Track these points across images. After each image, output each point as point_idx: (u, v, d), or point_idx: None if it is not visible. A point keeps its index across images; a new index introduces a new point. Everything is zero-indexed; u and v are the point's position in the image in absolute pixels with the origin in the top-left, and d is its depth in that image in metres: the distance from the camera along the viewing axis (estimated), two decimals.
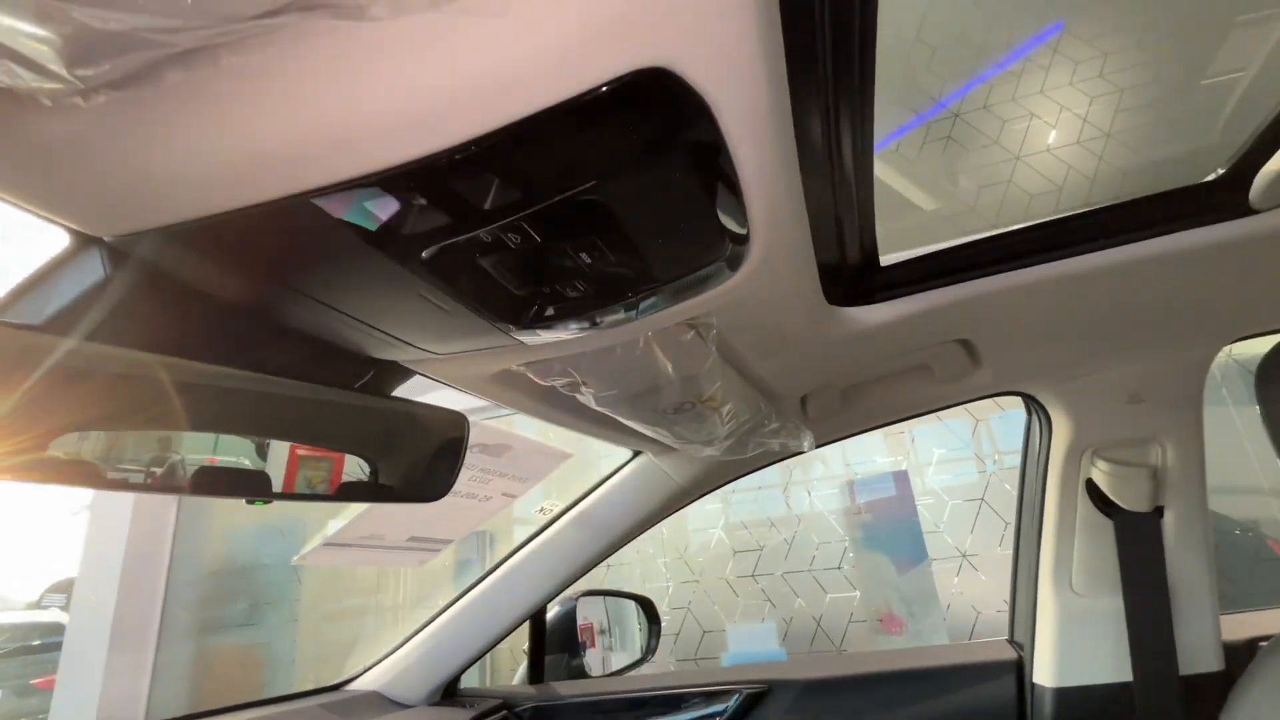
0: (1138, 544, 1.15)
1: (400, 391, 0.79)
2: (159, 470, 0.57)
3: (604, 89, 0.37)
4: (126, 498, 3.20)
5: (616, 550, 1.44)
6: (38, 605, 4.81)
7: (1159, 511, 1.16)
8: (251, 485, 0.62)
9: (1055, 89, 3.40)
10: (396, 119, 0.37)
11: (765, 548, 4.07)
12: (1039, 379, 1.16)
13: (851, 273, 0.86)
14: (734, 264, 0.63)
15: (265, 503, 0.58)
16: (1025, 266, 0.88)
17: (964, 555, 3.56)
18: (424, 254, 0.49)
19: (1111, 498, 1.17)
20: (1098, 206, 0.88)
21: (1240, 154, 0.78)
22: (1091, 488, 1.20)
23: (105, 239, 0.47)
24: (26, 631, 4.37)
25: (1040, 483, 1.26)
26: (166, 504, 3.33)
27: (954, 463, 3.90)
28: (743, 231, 0.57)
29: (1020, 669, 1.29)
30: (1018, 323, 1.00)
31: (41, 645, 4.23)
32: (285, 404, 0.64)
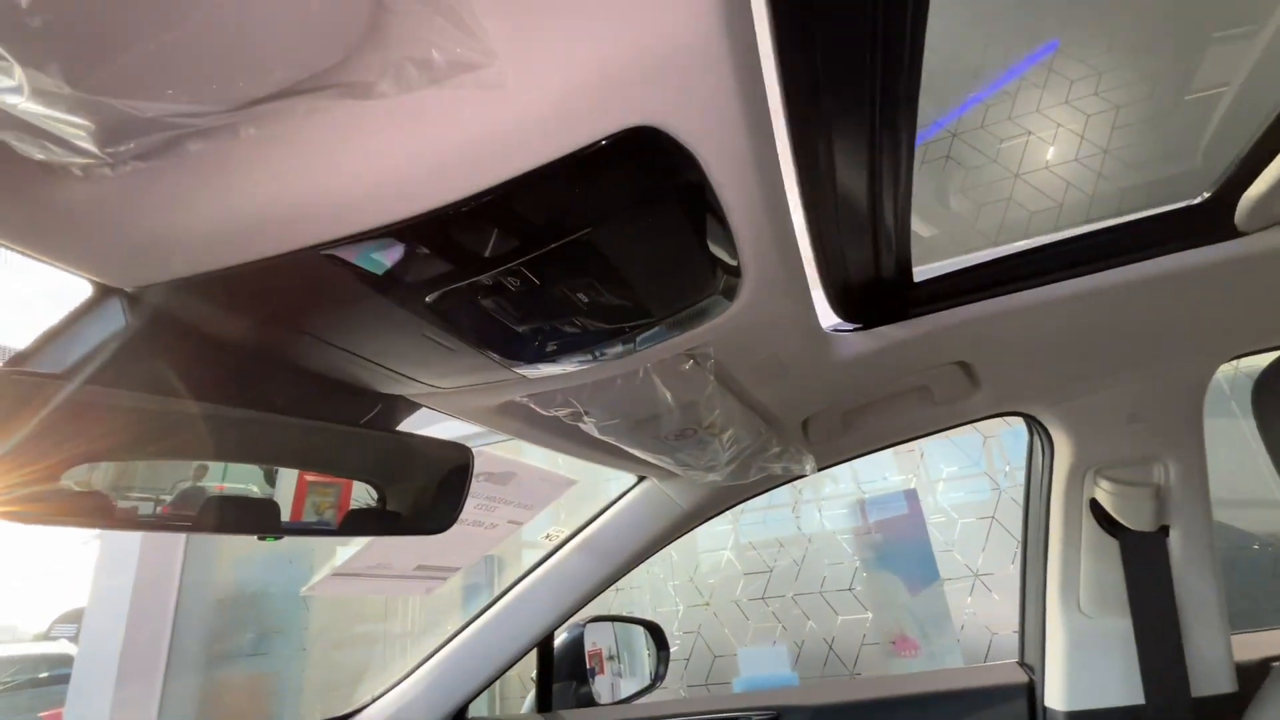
0: (1144, 564, 1.14)
1: (409, 421, 0.81)
2: (171, 506, 0.59)
3: (596, 146, 0.40)
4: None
5: (623, 575, 1.44)
6: (46, 636, 4.80)
7: (1164, 531, 1.15)
8: (260, 515, 0.64)
9: (1051, 107, 3.45)
10: (401, 179, 0.40)
11: (775, 569, 4.03)
12: (1038, 399, 1.16)
13: (861, 294, 0.88)
14: (728, 297, 0.65)
15: (276, 538, 0.59)
16: (1020, 290, 0.90)
17: (976, 575, 3.52)
18: (428, 298, 0.51)
19: (1116, 517, 1.17)
20: (1089, 229, 0.90)
21: (1224, 178, 0.80)
22: (1096, 508, 1.19)
23: (125, 289, 0.50)
24: (35, 664, 4.35)
25: (1045, 503, 1.26)
26: (175, 534, 3.34)
27: (964, 479, 3.87)
28: (735, 266, 0.59)
29: (1032, 692, 1.27)
30: (1015, 344, 1.01)
31: (50, 678, 4.21)
32: (294, 437, 0.66)
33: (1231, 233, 0.84)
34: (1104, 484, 1.17)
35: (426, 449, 0.71)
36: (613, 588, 1.47)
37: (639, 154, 0.42)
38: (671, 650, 1.85)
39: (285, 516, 0.65)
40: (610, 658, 1.86)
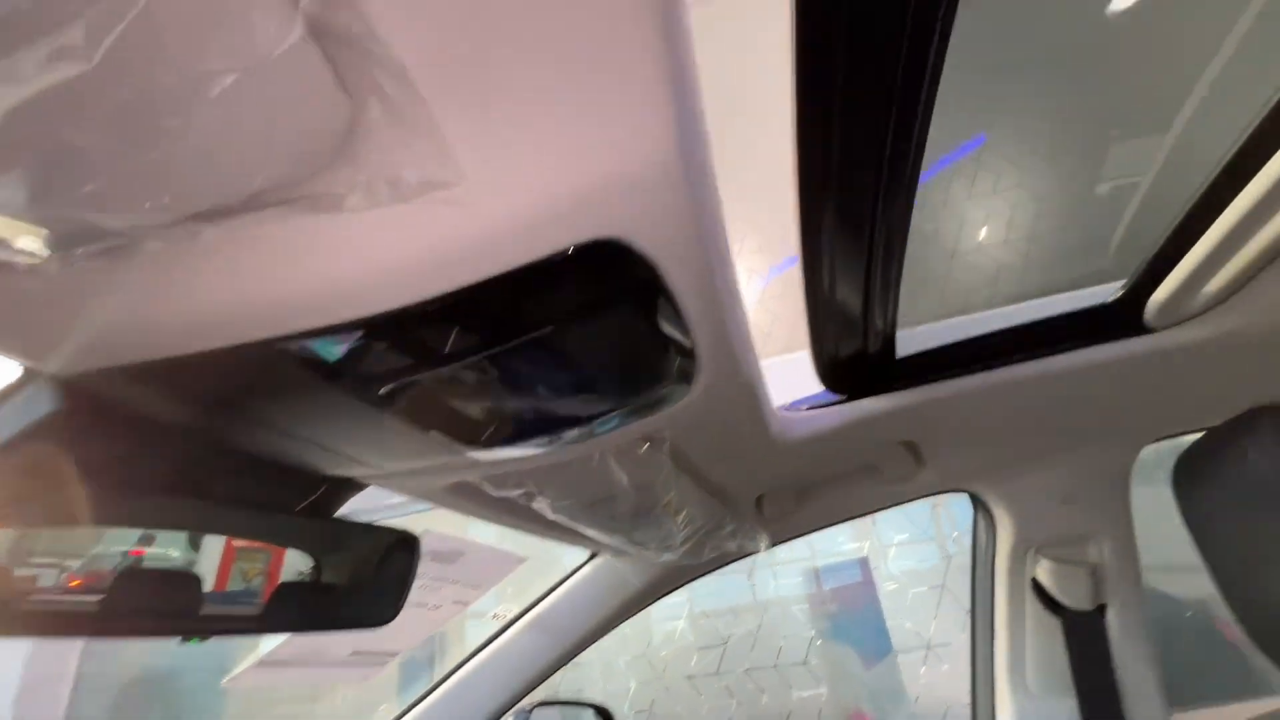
0: (1085, 643, 1.17)
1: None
2: (82, 576, 0.54)
3: (560, 256, 0.41)
4: None
5: (574, 657, 1.38)
6: None
7: (1102, 610, 1.19)
8: (181, 589, 0.59)
9: (983, 195, 3.73)
10: (361, 282, 0.40)
11: (730, 639, 3.93)
12: (980, 478, 1.21)
13: (847, 365, 0.92)
14: (685, 386, 0.66)
15: (201, 639, 0.55)
16: (959, 376, 0.95)
17: (929, 646, 3.51)
18: (382, 390, 0.50)
19: (1056, 596, 1.20)
20: (1020, 323, 0.97)
21: (1134, 279, 0.88)
22: (1038, 587, 1.23)
23: (58, 374, 0.48)
24: None
25: (990, 580, 1.29)
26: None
27: (915, 545, 3.92)
28: (691, 359, 0.61)
29: None
30: (957, 425, 1.05)
31: None
32: (228, 525, 0.63)
33: (1143, 329, 0.91)
34: (1045, 563, 1.21)
35: (369, 536, 0.69)
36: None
37: (601, 263, 0.43)
38: None
39: (208, 587, 0.60)
40: None
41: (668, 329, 0.54)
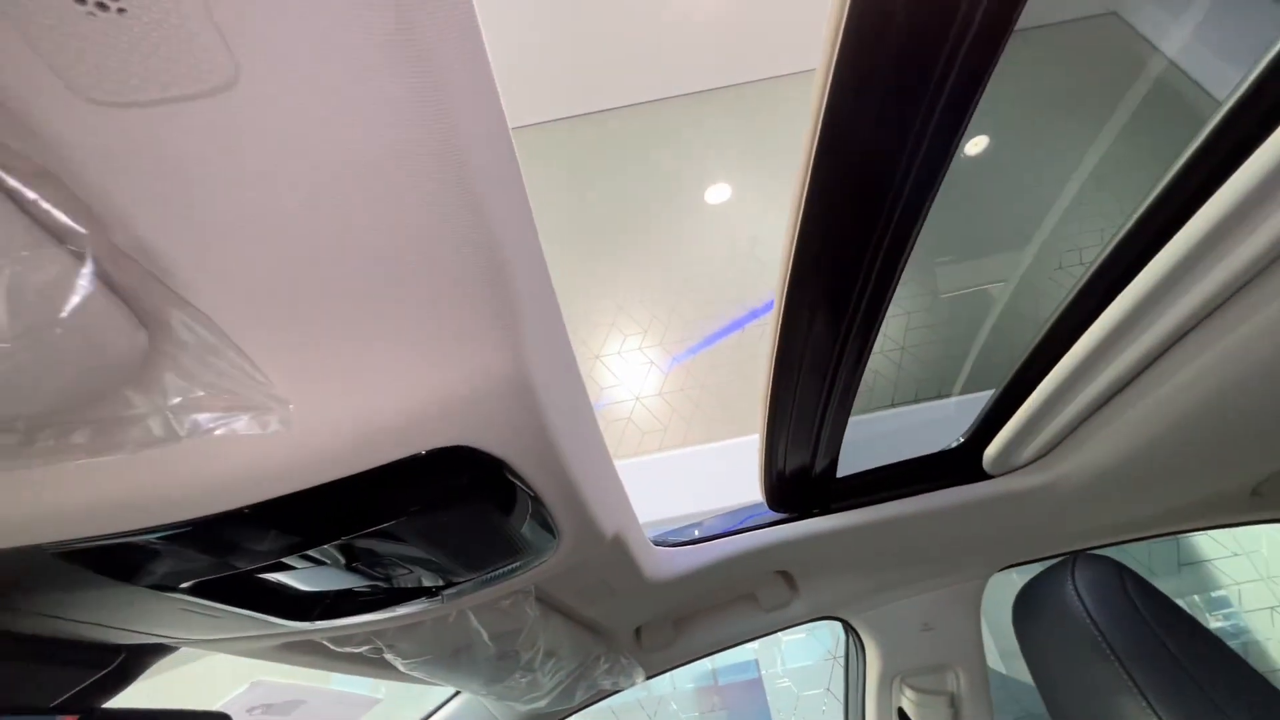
0: None
1: None
2: None
3: (397, 465, 0.39)
4: None
5: None
6: None
7: None
8: None
9: None
10: (163, 494, 0.36)
11: None
12: (848, 606, 1.25)
13: (793, 488, 0.94)
14: (549, 551, 0.64)
15: None
16: (826, 513, 0.99)
17: None
18: (186, 585, 0.45)
19: None
20: (879, 466, 1.03)
21: (971, 430, 0.97)
22: (903, 716, 1.26)
23: None
24: None
25: (861, 709, 1.30)
26: None
27: (809, 640, 3.94)
28: (552, 535, 0.59)
29: None
30: (825, 555, 1.09)
31: None
32: None
33: (982, 475, 1.00)
34: (909, 693, 1.24)
35: None
36: None
37: (445, 466, 0.42)
38: None
39: None
40: None
41: (520, 514, 0.52)
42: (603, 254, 4.19)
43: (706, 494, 3.00)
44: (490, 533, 0.52)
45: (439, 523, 0.47)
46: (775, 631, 1.27)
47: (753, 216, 4.24)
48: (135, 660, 0.64)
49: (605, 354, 3.91)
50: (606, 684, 1.10)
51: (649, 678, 1.18)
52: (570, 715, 1.28)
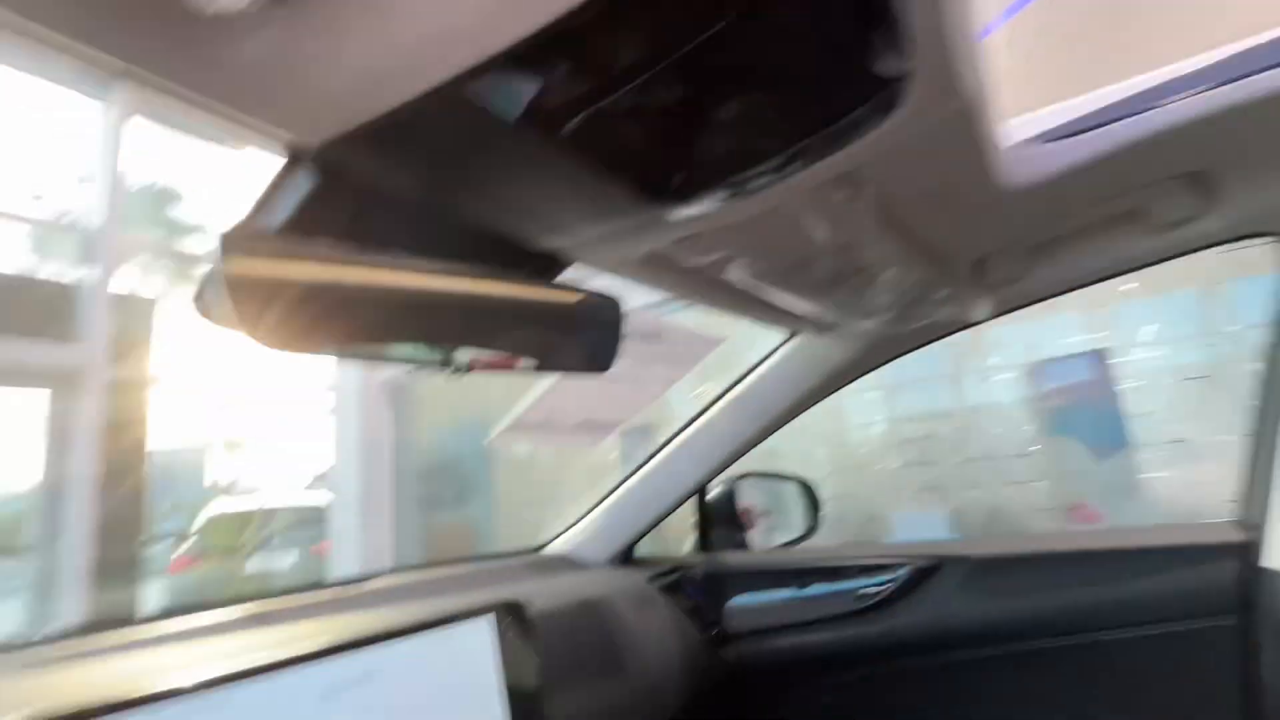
0: None
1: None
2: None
3: None
4: (358, 398, 3.94)
5: (774, 432, 1.46)
6: (308, 490, 6.15)
7: None
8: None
9: None
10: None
11: (933, 435, 3.88)
12: None
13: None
14: (892, 106, 0.56)
15: (465, 372, 0.66)
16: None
17: (1179, 442, 3.11)
18: (565, 129, 0.50)
19: None
20: None
21: None
22: None
23: (311, 146, 0.55)
24: (299, 513, 5.64)
25: None
26: (383, 402, 4.05)
27: (1171, 341, 3.35)
28: (902, 66, 0.51)
29: (1246, 552, 1.13)
30: (1272, 142, 0.79)
31: (307, 521, 5.42)
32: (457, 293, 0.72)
33: None
34: None
35: (580, 299, 0.74)
36: (760, 451, 1.50)
37: None
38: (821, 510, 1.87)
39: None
40: (762, 514, 1.94)
41: (874, 20, 0.44)
42: None
43: None
44: (832, 46, 0.46)
45: (777, 22, 0.43)
46: (1169, 258, 1.04)
47: None
48: (545, 264, 0.81)
49: None
50: (943, 315, 1.07)
51: (995, 315, 1.11)
52: (904, 352, 1.31)
